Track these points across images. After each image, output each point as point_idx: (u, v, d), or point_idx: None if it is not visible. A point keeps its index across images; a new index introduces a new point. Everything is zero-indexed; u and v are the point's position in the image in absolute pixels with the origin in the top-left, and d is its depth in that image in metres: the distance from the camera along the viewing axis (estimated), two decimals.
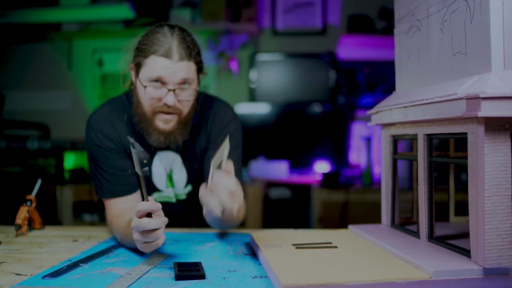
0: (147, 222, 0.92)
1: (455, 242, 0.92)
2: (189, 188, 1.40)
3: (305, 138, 3.39)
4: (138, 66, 1.21)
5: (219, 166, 0.96)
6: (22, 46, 3.71)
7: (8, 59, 3.73)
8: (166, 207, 1.40)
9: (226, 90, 3.59)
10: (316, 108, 3.40)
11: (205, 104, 1.38)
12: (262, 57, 3.55)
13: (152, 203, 0.94)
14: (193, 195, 1.40)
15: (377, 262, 0.88)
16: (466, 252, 0.84)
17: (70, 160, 3.22)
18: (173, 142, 1.26)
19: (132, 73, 1.26)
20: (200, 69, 1.25)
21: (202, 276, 0.88)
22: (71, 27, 3.54)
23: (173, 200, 1.39)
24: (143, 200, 0.97)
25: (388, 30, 3.26)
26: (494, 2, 0.77)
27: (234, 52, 3.55)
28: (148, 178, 1.34)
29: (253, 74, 3.55)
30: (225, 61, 3.52)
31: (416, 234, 1.02)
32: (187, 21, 3.37)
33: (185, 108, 1.23)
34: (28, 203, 1.30)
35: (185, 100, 1.21)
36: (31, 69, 3.71)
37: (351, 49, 3.47)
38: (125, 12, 3.22)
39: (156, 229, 0.94)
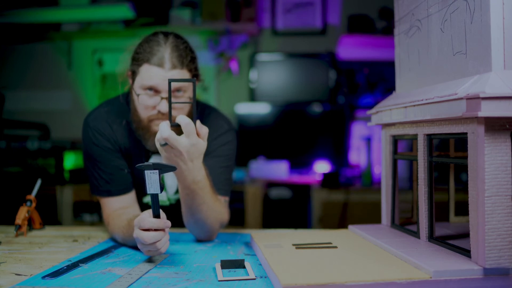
0: (147, 237, 0.95)
1: (455, 242, 0.92)
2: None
3: (305, 138, 3.38)
4: (133, 74, 1.22)
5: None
6: (22, 46, 3.71)
7: (8, 59, 3.73)
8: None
9: (226, 90, 3.59)
10: (316, 108, 3.40)
11: (204, 114, 1.39)
12: (262, 57, 3.55)
13: (162, 222, 0.96)
14: None
15: (377, 262, 0.88)
16: (466, 252, 0.84)
17: (70, 160, 3.21)
18: None
19: (129, 80, 1.27)
20: (195, 76, 1.24)
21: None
22: (71, 27, 3.54)
23: (166, 203, 1.40)
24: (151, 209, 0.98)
25: (388, 30, 3.26)
26: (494, 2, 0.77)
27: (234, 52, 3.54)
28: (141, 181, 1.34)
29: (253, 74, 3.55)
30: (225, 61, 3.52)
31: (416, 234, 1.02)
32: (187, 21, 3.36)
33: None
34: (28, 203, 1.30)
35: (180, 107, 1.21)
36: (31, 69, 3.71)
37: (351, 49, 3.47)
38: (125, 12, 3.22)
39: (156, 241, 0.96)
